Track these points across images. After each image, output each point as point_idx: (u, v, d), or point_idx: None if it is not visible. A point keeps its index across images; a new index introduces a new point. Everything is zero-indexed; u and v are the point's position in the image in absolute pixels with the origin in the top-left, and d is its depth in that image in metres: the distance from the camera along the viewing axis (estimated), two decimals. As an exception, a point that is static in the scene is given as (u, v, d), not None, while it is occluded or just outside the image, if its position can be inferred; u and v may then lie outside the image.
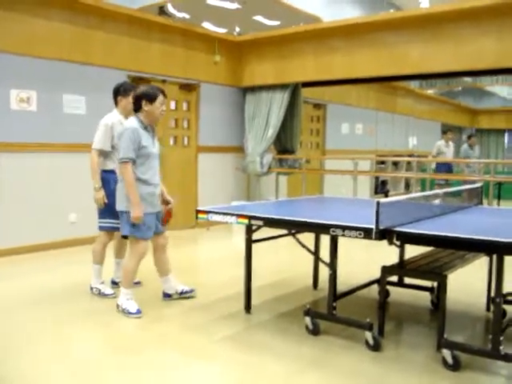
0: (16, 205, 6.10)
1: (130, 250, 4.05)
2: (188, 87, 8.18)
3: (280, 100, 8.49)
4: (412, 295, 4.48)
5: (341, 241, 3.46)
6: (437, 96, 17.12)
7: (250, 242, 3.98)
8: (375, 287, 4.24)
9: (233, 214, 3.75)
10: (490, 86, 17.38)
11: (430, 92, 16.63)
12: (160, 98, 3.95)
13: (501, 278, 2.94)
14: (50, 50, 6.28)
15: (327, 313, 3.60)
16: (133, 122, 3.92)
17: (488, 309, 4.13)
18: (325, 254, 3.71)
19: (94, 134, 4.40)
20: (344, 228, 3.14)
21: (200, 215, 3.96)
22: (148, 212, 3.94)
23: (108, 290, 4.51)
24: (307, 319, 3.64)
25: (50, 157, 6.38)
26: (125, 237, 4.08)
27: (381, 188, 13.18)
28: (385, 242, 3.09)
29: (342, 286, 3.88)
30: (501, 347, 2.94)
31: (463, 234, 2.93)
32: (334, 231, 3.20)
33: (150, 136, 3.99)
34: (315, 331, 3.61)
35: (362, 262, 5.98)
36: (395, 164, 13.53)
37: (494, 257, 3.03)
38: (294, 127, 8.92)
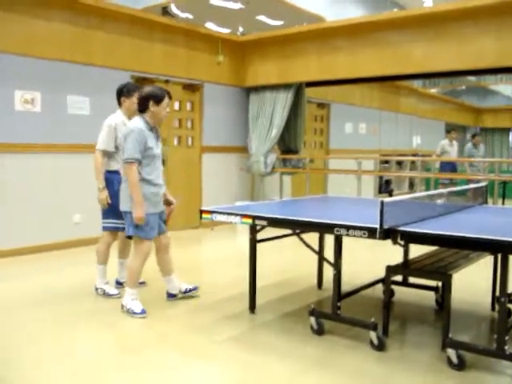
0: (20, 205, 6.12)
1: (135, 250, 4.06)
2: (191, 87, 8.18)
3: (284, 100, 8.49)
4: (417, 295, 4.47)
5: (345, 240, 3.46)
6: (440, 95, 17.08)
7: (254, 242, 3.98)
8: (380, 287, 4.24)
9: (237, 214, 3.75)
10: (493, 84, 17.32)
11: (433, 91, 16.58)
12: (166, 99, 3.97)
13: (506, 277, 2.94)
14: (51, 50, 6.29)
15: (332, 312, 3.60)
16: (138, 122, 3.91)
17: (493, 308, 4.13)
18: (329, 253, 3.71)
19: (97, 135, 4.41)
20: (348, 228, 3.14)
21: (204, 215, 3.96)
22: (151, 212, 3.95)
23: (113, 290, 4.52)
24: (312, 319, 3.64)
25: (54, 157, 6.39)
26: (129, 237, 4.09)
27: (385, 187, 13.15)
28: (389, 242, 3.08)
29: (346, 286, 3.88)
30: (506, 347, 2.93)
31: (468, 233, 2.92)
32: (338, 231, 3.20)
33: (154, 137, 4.00)
34: (320, 331, 3.61)
35: (367, 261, 5.98)
36: (399, 163, 13.50)
37: (499, 256, 3.02)
38: (297, 127, 8.91)
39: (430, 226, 3.18)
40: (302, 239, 4.01)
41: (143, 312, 3.96)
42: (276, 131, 8.58)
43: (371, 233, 3.02)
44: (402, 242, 3.45)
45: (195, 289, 4.47)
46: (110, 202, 4.34)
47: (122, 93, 4.47)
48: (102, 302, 4.39)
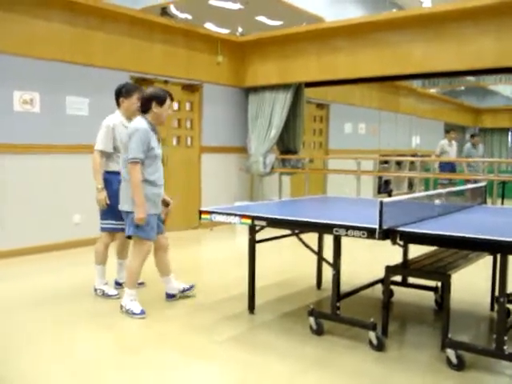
0: (20, 206, 6.12)
1: (134, 250, 4.05)
2: (191, 88, 8.18)
3: (283, 100, 8.49)
4: (416, 295, 4.47)
5: (344, 241, 3.46)
6: (440, 95, 17.09)
7: (253, 243, 3.98)
8: (379, 287, 4.24)
9: (236, 215, 3.75)
10: (493, 84, 17.32)
11: (432, 91, 16.59)
12: (168, 100, 4.00)
13: (505, 277, 2.94)
14: (51, 51, 6.29)
15: (331, 313, 3.60)
16: (142, 122, 3.91)
17: (492, 308, 4.13)
18: (328, 253, 3.71)
19: (96, 135, 4.41)
20: (347, 228, 3.14)
21: (203, 216, 3.96)
22: (152, 213, 3.95)
23: (112, 290, 4.51)
24: (311, 319, 3.64)
25: (53, 158, 6.39)
26: (129, 237, 4.09)
27: (384, 188, 13.16)
28: (388, 242, 3.08)
29: (345, 286, 3.88)
30: (505, 347, 2.93)
31: (467, 233, 2.92)
32: (337, 231, 3.20)
33: (156, 137, 4.01)
34: (319, 331, 3.61)
35: (366, 261, 5.98)
36: (398, 163, 13.50)
37: (498, 256, 3.02)
38: (296, 127, 8.91)
39: (429, 226, 3.18)
40: (301, 239, 4.01)
41: (142, 313, 3.96)
42: (275, 131, 8.58)
43: (370, 233, 3.02)
44: (402, 243, 3.44)
45: (191, 287, 4.49)
46: (108, 202, 4.34)
47: (121, 93, 4.46)
48: (101, 302, 4.39)
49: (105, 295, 4.47)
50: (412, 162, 12.91)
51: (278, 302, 4.42)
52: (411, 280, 4.36)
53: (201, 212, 4.00)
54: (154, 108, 3.93)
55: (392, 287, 4.24)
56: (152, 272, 4.53)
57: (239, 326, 3.82)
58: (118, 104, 4.49)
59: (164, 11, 8.08)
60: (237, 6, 8.21)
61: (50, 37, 6.27)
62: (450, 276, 3.31)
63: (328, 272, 3.83)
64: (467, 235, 2.88)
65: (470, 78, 15.78)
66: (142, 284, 4.65)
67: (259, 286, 4.18)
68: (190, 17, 8.67)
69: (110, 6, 6.72)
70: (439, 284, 4.11)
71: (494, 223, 3.73)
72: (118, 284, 4.71)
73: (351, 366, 3.14)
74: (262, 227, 3.79)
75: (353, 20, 7.59)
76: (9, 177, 6.02)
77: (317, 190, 9.60)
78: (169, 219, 4.43)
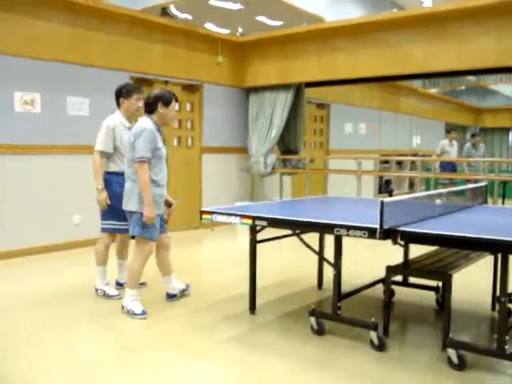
0: (20, 206, 6.12)
1: (137, 250, 4.05)
2: (191, 88, 8.19)
3: (283, 100, 8.49)
4: (417, 295, 4.47)
5: (345, 241, 3.46)
6: (440, 95, 17.08)
7: (254, 243, 3.98)
8: (380, 287, 4.24)
9: (237, 215, 3.75)
10: (493, 84, 17.32)
11: (433, 91, 16.59)
12: (174, 102, 4.05)
13: (506, 277, 2.94)
14: (51, 51, 6.29)
15: (332, 313, 3.59)
16: (148, 122, 3.94)
17: (493, 308, 4.13)
18: (329, 253, 3.71)
19: (97, 136, 4.41)
20: (348, 228, 3.14)
21: (204, 216, 3.96)
22: (156, 213, 3.96)
23: (113, 291, 4.51)
24: (312, 319, 3.63)
25: (53, 158, 6.39)
26: (132, 237, 4.09)
27: (385, 187, 13.15)
28: (389, 242, 3.08)
29: (346, 286, 3.87)
30: (506, 346, 2.93)
31: (468, 233, 2.92)
32: (338, 231, 3.20)
33: (161, 138, 4.04)
34: (320, 331, 3.61)
35: (367, 261, 5.97)
36: (399, 163, 13.50)
37: (499, 256, 3.02)
38: (297, 127, 8.91)
39: (429, 226, 3.18)
40: (302, 239, 4.01)
41: (143, 313, 3.96)
42: (276, 132, 8.58)
43: (371, 233, 3.02)
44: (402, 242, 3.45)
45: (187, 287, 4.53)
46: (109, 203, 4.34)
47: (121, 94, 4.46)
48: (102, 302, 4.39)
49: (106, 295, 4.47)
50: (413, 162, 12.91)
51: (279, 302, 4.42)
52: (412, 280, 4.36)
53: (202, 212, 4.00)
54: (160, 108, 3.97)
55: (393, 287, 4.25)
56: (153, 272, 4.54)
57: (240, 326, 3.82)
58: (118, 104, 4.50)
59: (164, 11, 8.08)
60: (237, 6, 8.21)
61: (50, 37, 6.27)
62: (450, 276, 3.30)
63: (329, 272, 3.83)
64: (468, 235, 2.88)
65: (471, 78, 15.79)
66: (143, 284, 4.65)
67: (260, 286, 4.18)
68: (190, 17, 8.67)
69: (110, 7, 6.72)
70: (440, 284, 4.11)
71: (495, 223, 3.73)
72: (119, 284, 4.71)
73: (352, 366, 3.14)
74: (263, 227, 3.79)
75: (353, 20, 7.59)
76: (9, 177, 6.02)
77: (317, 190, 9.60)
78: (171, 219, 4.43)
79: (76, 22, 6.49)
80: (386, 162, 12.79)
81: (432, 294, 4.33)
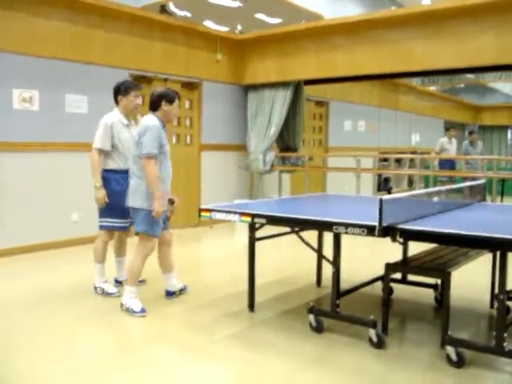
0: (18, 204, 6.11)
1: (139, 246, 4.06)
2: (190, 85, 8.18)
3: (282, 98, 8.48)
4: (416, 292, 4.47)
5: (344, 238, 3.46)
6: (439, 93, 17.08)
7: (253, 240, 3.98)
8: (379, 284, 4.24)
9: (236, 212, 3.75)
10: (492, 82, 17.32)
11: (432, 89, 16.58)
12: (177, 100, 4.10)
13: (504, 274, 2.94)
14: (51, 49, 6.27)
15: (331, 310, 3.60)
16: (154, 119, 3.98)
17: (492, 305, 4.13)
18: (328, 251, 3.71)
19: (95, 133, 4.41)
20: (347, 225, 3.14)
21: (203, 213, 3.96)
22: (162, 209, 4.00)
23: (112, 288, 4.51)
24: (311, 317, 3.64)
25: (52, 156, 6.38)
26: (137, 233, 4.10)
27: (384, 185, 13.15)
28: (388, 239, 3.08)
29: (345, 284, 3.88)
30: (505, 344, 2.94)
31: (467, 230, 2.92)
32: (337, 229, 3.20)
33: (165, 135, 4.08)
34: (319, 329, 3.61)
35: (366, 259, 5.98)
36: (398, 161, 13.50)
37: (498, 253, 3.02)
38: (296, 125, 8.90)
39: (429, 224, 3.18)
40: (300, 237, 4.00)
41: (143, 311, 3.96)
42: (275, 129, 8.57)
43: (370, 230, 3.02)
44: (401, 240, 3.45)
45: (185, 288, 4.55)
46: (107, 200, 4.34)
47: (119, 91, 4.46)
48: (101, 300, 4.39)
49: (105, 293, 4.47)
50: (412, 160, 12.94)
51: (278, 300, 4.42)
52: (411, 277, 4.37)
53: (200, 210, 4.00)
54: (164, 106, 4.01)
55: (392, 285, 4.25)
56: (153, 270, 4.54)
57: (239, 324, 3.82)
58: (117, 102, 4.49)
59: (163, 9, 8.07)
60: (236, 4, 8.21)
61: (50, 35, 6.26)
62: (449, 273, 3.31)
63: (328, 269, 3.83)
64: (467, 233, 2.88)
65: (470, 76, 15.77)
66: (142, 282, 4.64)
67: (259, 283, 4.18)
68: (189, 14, 8.66)
69: (110, 4, 6.70)
70: (439, 281, 4.11)
71: (494, 220, 3.73)
72: (118, 282, 4.71)
73: (351, 364, 3.14)
74: (262, 225, 3.79)
75: (352, 18, 7.58)
76: (8, 175, 6.01)
77: (316, 188, 9.58)
78: (173, 216, 4.43)
79: (76, 20, 6.48)
80: (385, 159, 12.80)
81: (431, 291, 4.34)
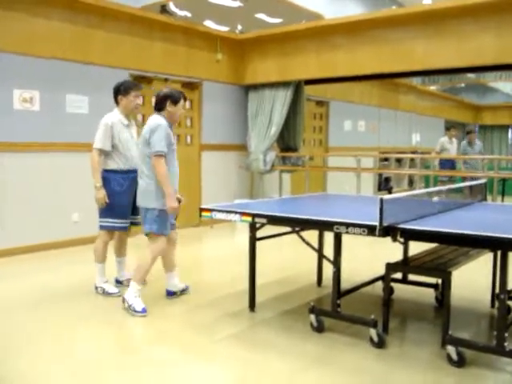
0: (19, 204, 6.11)
1: (151, 246, 4.07)
2: (190, 85, 8.18)
3: (283, 98, 8.48)
4: (416, 292, 4.47)
5: (345, 238, 3.46)
6: (440, 92, 17.07)
7: (253, 240, 3.98)
8: (379, 284, 4.24)
9: (236, 212, 3.75)
10: (493, 81, 17.30)
11: (432, 88, 16.57)
12: (182, 101, 4.12)
13: (505, 274, 2.94)
14: (51, 49, 6.27)
15: (331, 310, 3.60)
16: (161, 119, 4.01)
17: (493, 305, 4.13)
18: (329, 251, 3.71)
19: (95, 134, 4.41)
20: (348, 225, 3.14)
21: (204, 213, 3.97)
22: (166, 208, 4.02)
23: (112, 288, 4.51)
24: (312, 316, 3.64)
25: (52, 156, 6.38)
26: (148, 234, 4.12)
27: (384, 185, 13.15)
28: (389, 239, 3.08)
29: (346, 284, 3.88)
30: (506, 343, 2.93)
31: (467, 230, 2.92)
32: (337, 228, 3.20)
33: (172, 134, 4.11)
34: (319, 328, 3.61)
35: (366, 259, 5.98)
36: (398, 161, 13.50)
37: (499, 253, 3.02)
38: (296, 125, 8.90)
39: (429, 224, 3.17)
40: (301, 237, 4.00)
41: (144, 311, 3.95)
42: (275, 129, 8.57)
43: (371, 230, 3.02)
44: (402, 240, 3.45)
45: (187, 288, 4.55)
46: (107, 201, 4.34)
47: (119, 91, 4.46)
48: (101, 300, 4.39)
49: (105, 293, 4.47)
50: (412, 160, 12.93)
51: (279, 300, 4.42)
52: (411, 277, 4.37)
53: (201, 210, 4.00)
54: (168, 107, 4.04)
55: (392, 284, 4.25)
56: (154, 270, 4.51)
57: (239, 324, 3.82)
58: (117, 102, 4.49)
59: (163, 9, 8.07)
60: (236, 4, 8.20)
61: (50, 35, 6.26)
62: (450, 273, 3.31)
63: (328, 269, 3.83)
64: (467, 232, 2.88)
65: (470, 75, 15.77)
66: (143, 283, 4.63)
67: (259, 283, 4.18)
68: (189, 14, 8.66)
69: (110, 5, 6.70)
70: (440, 281, 4.11)
71: (495, 220, 3.73)
72: (119, 282, 4.72)
73: (352, 363, 3.14)
74: (263, 225, 3.79)
75: (352, 17, 7.57)
76: (8, 175, 6.01)
77: (317, 188, 9.58)
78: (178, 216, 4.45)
79: (76, 20, 6.48)
80: (386, 159, 12.79)
81: (431, 291, 4.34)
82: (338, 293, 3.57)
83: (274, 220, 3.62)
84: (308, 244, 4.05)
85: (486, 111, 20.28)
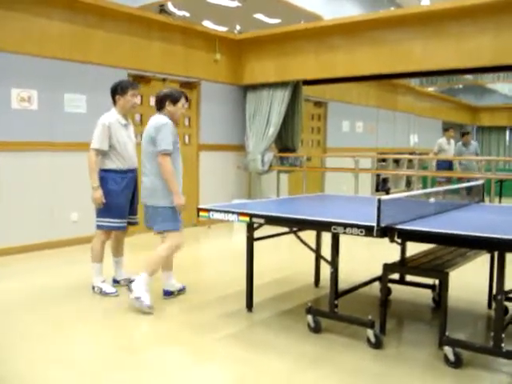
0: (17, 204, 6.10)
1: (169, 243, 4.09)
2: (189, 85, 8.17)
3: (281, 98, 8.48)
4: (413, 293, 4.48)
5: (342, 238, 3.46)
6: (438, 93, 17.09)
7: (251, 240, 3.98)
8: (377, 285, 4.24)
9: (234, 212, 3.75)
10: (491, 83, 17.35)
11: (430, 89, 16.60)
12: (182, 100, 4.15)
13: (502, 275, 2.94)
14: (50, 48, 6.27)
15: (329, 311, 3.60)
16: (165, 118, 4.05)
17: (490, 306, 4.14)
18: (326, 251, 3.71)
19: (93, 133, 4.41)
20: (345, 226, 3.14)
21: (201, 213, 3.96)
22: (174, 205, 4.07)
23: (110, 288, 4.50)
24: (309, 317, 3.64)
25: (50, 155, 6.38)
26: (160, 232, 4.15)
27: (382, 186, 13.17)
28: (386, 240, 3.08)
29: (343, 284, 3.88)
30: (502, 344, 2.94)
31: (465, 231, 2.92)
32: (335, 229, 3.20)
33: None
34: (317, 329, 3.61)
35: (364, 259, 5.98)
36: (396, 162, 13.51)
37: (496, 254, 3.02)
38: (294, 125, 8.90)
39: (427, 224, 3.17)
40: (299, 237, 4.00)
41: (151, 307, 3.95)
42: (273, 129, 8.57)
43: (368, 231, 3.02)
44: (399, 240, 3.45)
45: (183, 288, 4.55)
46: (104, 200, 4.34)
47: (117, 91, 4.46)
48: (99, 300, 4.38)
49: (102, 293, 4.46)
50: (410, 160, 12.94)
51: (276, 300, 4.42)
52: (409, 278, 4.37)
53: (199, 209, 4.00)
54: (168, 106, 4.08)
55: (390, 285, 4.25)
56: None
57: (237, 324, 3.82)
58: (114, 102, 4.49)
59: (162, 9, 8.07)
60: (235, 4, 8.21)
61: (49, 35, 6.25)
62: (447, 274, 3.31)
63: (326, 270, 3.83)
64: (465, 233, 2.88)
65: (468, 77, 15.80)
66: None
67: (257, 283, 4.18)
68: (187, 14, 8.66)
69: (109, 4, 6.70)
70: (437, 282, 4.11)
71: (492, 221, 3.74)
72: (116, 282, 4.71)
73: (349, 364, 3.14)
74: (260, 225, 3.79)
75: (351, 18, 7.58)
76: (6, 174, 6.00)
77: (315, 188, 9.60)
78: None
79: (75, 20, 6.48)
80: (384, 160, 12.80)
81: (429, 292, 4.34)
82: (336, 293, 3.57)
83: (271, 220, 3.62)
84: (306, 244, 4.04)
85: (484, 112, 20.31)
